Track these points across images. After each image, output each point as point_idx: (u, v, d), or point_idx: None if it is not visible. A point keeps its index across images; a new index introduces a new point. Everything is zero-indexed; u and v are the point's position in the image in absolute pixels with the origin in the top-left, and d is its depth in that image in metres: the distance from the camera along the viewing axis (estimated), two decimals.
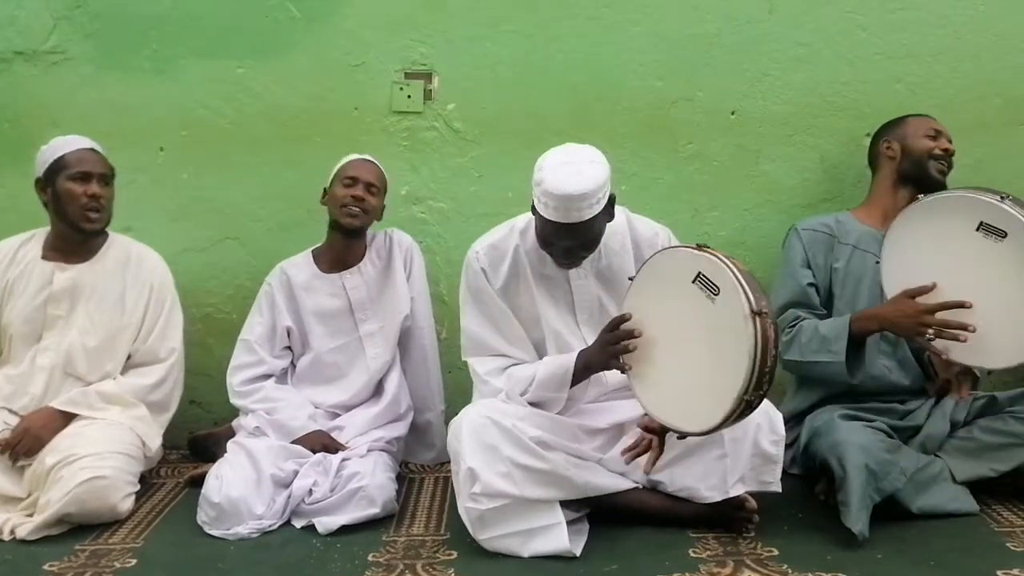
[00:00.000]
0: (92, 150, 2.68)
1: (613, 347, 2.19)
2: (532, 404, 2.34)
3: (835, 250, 2.65)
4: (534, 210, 2.27)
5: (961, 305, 2.23)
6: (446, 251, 3.09)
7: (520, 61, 3.04)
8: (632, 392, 2.22)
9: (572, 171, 2.16)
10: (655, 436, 2.23)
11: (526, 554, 2.18)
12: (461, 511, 2.24)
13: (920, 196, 2.36)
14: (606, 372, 2.34)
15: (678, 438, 2.20)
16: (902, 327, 2.35)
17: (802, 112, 3.07)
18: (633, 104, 3.05)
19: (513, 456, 2.19)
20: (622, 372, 2.20)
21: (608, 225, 2.33)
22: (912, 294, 2.32)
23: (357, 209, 2.73)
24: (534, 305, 2.42)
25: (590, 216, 2.19)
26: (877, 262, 2.48)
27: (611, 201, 2.27)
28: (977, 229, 2.19)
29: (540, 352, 2.43)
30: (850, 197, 3.04)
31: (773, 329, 1.94)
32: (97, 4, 2.99)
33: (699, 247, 2.09)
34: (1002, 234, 2.16)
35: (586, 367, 2.30)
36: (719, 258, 2.01)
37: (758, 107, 3.07)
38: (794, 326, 2.56)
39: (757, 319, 1.91)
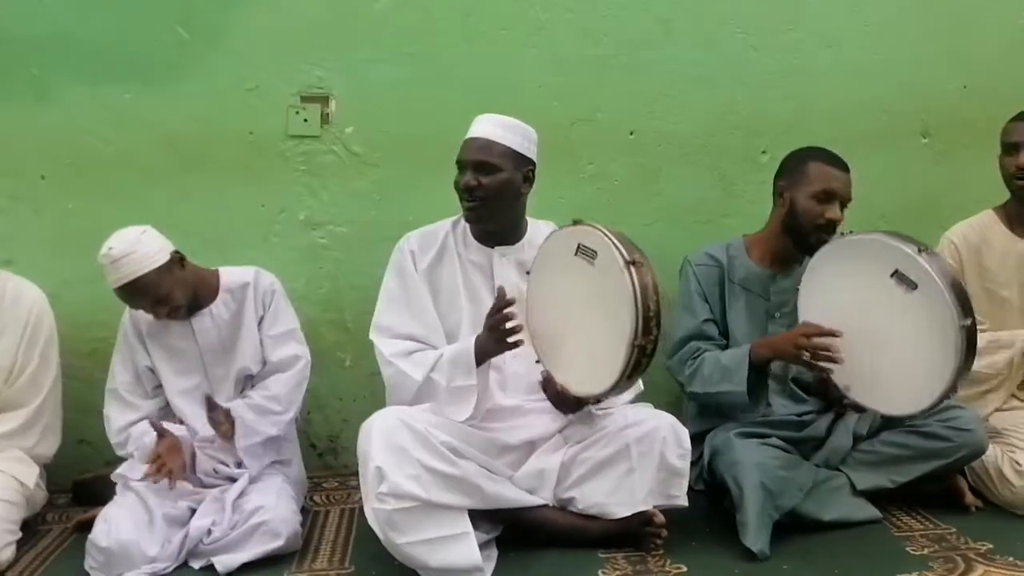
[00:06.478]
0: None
1: (498, 331, 2.24)
2: (449, 405, 2.32)
3: (726, 287, 2.63)
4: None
5: (832, 334, 2.29)
6: (348, 276, 3.03)
7: (419, 83, 3.01)
8: (545, 373, 2.34)
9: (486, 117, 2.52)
10: (571, 410, 2.38)
11: (434, 564, 2.13)
12: (368, 514, 2.17)
13: (842, 232, 2.40)
14: (505, 357, 2.37)
15: (592, 403, 2.34)
16: (785, 352, 2.40)
17: (699, 131, 3.13)
18: (533, 125, 3.01)
19: (423, 459, 2.15)
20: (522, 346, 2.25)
21: (536, 224, 2.57)
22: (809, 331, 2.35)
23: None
24: (456, 286, 2.49)
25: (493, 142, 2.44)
26: (773, 312, 2.52)
27: (520, 166, 2.47)
28: (891, 276, 2.19)
29: (452, 339, 2.45)
30: (749, 214, 3.07)
31: (650, 276, 2.08)
32: None
33: (575, 222, 2.21)
34: (913, 286, 2.15)
35: (481, 353, 2.31)
36: (592, 226, 2.16)
37: (656, 127, 3.12)
38: (696, 357, 2.55)
39: (631, 267, 2.06)
